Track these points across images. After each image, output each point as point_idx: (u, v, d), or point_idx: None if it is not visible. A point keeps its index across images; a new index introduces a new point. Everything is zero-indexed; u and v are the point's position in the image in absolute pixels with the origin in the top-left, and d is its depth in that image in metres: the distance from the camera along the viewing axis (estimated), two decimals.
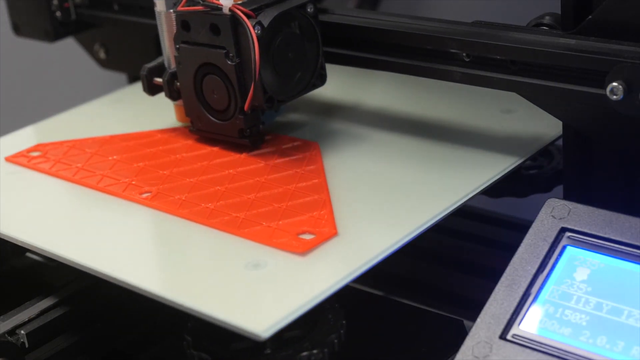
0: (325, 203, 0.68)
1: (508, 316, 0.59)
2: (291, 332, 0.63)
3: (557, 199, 0.64)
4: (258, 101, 0.72)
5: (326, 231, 0.65)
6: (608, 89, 0.62)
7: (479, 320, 0.60)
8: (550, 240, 0.62)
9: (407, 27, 0.72)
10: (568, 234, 0.62)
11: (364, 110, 0.83)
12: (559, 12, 0.67)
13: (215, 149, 0.77)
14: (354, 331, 0.65)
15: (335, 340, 0.63)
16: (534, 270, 0.61)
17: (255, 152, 0.76)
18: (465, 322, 0.70)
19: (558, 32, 0.67)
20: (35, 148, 0.81)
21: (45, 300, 0.70)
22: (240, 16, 0.70)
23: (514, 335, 0.59)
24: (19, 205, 0.74)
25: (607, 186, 0.68)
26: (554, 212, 0.63)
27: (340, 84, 0.88)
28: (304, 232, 0.65)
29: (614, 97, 0.62)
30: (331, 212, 0.67)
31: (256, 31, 0.70)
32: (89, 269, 0.64)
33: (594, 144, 0.68)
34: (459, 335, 0.62)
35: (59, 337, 0.69)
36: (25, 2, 0.92)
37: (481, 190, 0.69)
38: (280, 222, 0.66)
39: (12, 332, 0.67)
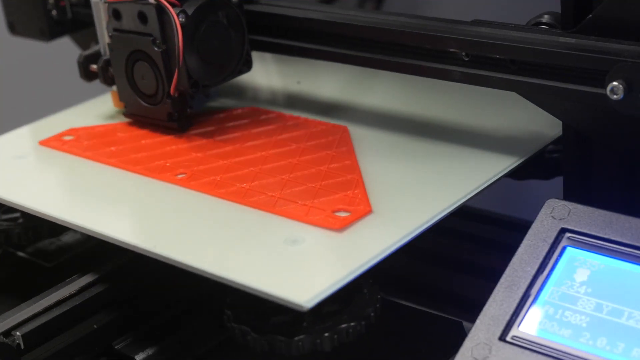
0: (358, 183, 0.70)
1: (507, 317, 0.59)
2: (329, 307, 0.65)
3: (557, 200, 0.64)
4: (183, 86, 0.77)
5: (361, 209, 0.67)
6: (608, 88, 0.62)
7: (478, 321, 0.59)
8: (550, 241, 0.62)
9: (401, 26, 0.73)
10: (568, 234, 0.62)
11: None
12: (559, 10, 0.67)
13: (246, 132, 0.80)
14: None
15: (372, 314, 0.65)
16: (533, 271, 0.61)
17: (286, 135, 0.79)
18: (465, 324, 0.70)
19: (558, 31, 0.67)
20: (68, 132, 0.84)
21: (42, 302, 0.69)
22: (165, 5, 0.75)
23: (513, 337, 0.58)
24: (57, 186, 0.76)
25: (607, 186, 0.68)
26: (553, 212, 0.63)
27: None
28: (339, 210, 0.67)
29: (614, 96, 0.61)
30: (364, 191, 0.69)
31: (180, 19, 0.75)
32: (132, 246, 0.66)
33: (594, 144, 0.68)
34: (458, 337, 0.62)
35: (55, 339, 0.69)
36: (20, 0, 0.92)
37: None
38: (315, 201, 0.68)
39: (8, 333, 0.67)
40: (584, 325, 0.58)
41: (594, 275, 0.60)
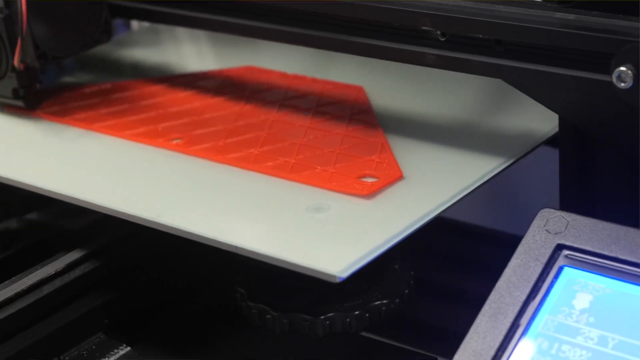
0: (384, 146, 0.70)
1: (492, 352, 0.56)
2: (355, 284, 0.65)
3: (552, 210, 0.60)
4: (29, 57, 0.74)
5: (391, 174, 0.66)
6: (614, 74, 0.58)
7: (456, 357, 0.56)
8: (544, 259, 0.58)
9: None
10: (565, 252, 0.59)
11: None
12: None
13: (246, 93, 0.80)
14: None
15: (406, 291, 0.66)
16: (523, 297, 0.57)
17: (292, 96, 0.79)
18: None
19: (553, 6, 0.64)
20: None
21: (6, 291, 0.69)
22: None
23: None
24: (35, 154, 0.74)
25: (611, 194, 0.67)
26: (548, 225, 0.60)
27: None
28: (365, 176, 0.67)
29: (622, 84, 0.58)
30: (392, 154, 0.69)
31: None
32: (132, 216, 0.65)
33: (596, 142, 0.66)
34: None
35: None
36: None
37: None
38: (337, 166, 0.68)
39: None
40: None
41: (597, 302, 0.57)
